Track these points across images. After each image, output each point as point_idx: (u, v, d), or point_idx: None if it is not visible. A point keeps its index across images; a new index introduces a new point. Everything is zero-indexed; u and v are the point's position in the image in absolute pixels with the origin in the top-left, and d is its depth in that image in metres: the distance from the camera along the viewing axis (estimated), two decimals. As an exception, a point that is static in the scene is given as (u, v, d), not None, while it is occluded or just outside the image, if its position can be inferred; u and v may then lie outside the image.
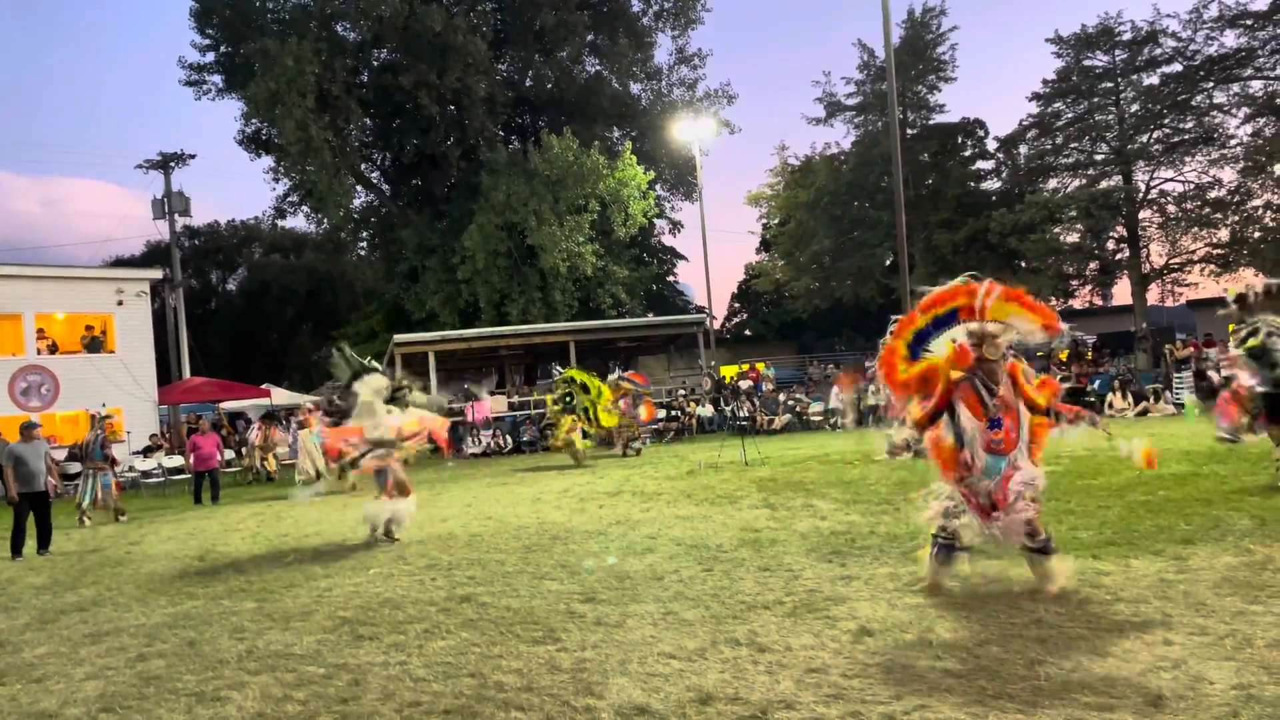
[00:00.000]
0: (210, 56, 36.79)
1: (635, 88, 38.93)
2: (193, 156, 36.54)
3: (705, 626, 5.81)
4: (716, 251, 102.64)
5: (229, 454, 22.36)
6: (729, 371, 34.08)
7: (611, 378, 20.30)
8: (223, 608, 7.45)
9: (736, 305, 56.64)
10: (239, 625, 6.78)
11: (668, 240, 43.82)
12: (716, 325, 44.16)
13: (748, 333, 54.49)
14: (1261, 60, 29.04)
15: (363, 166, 38.04)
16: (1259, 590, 5.67)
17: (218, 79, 37.10)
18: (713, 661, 5.12)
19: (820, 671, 4.82)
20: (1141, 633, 4.99)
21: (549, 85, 37.89)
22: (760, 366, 34.05)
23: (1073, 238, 32.96)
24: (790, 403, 26.85)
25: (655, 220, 39.08)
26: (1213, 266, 30.51)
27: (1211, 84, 30.08)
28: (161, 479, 21.88)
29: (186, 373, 31.95)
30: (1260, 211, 29.52)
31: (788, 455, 17.26)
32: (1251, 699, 4.02)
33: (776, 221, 41.10)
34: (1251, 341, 9.54)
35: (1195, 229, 30.93)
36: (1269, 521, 7.60)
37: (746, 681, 4.75)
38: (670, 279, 44.45)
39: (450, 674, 5.22)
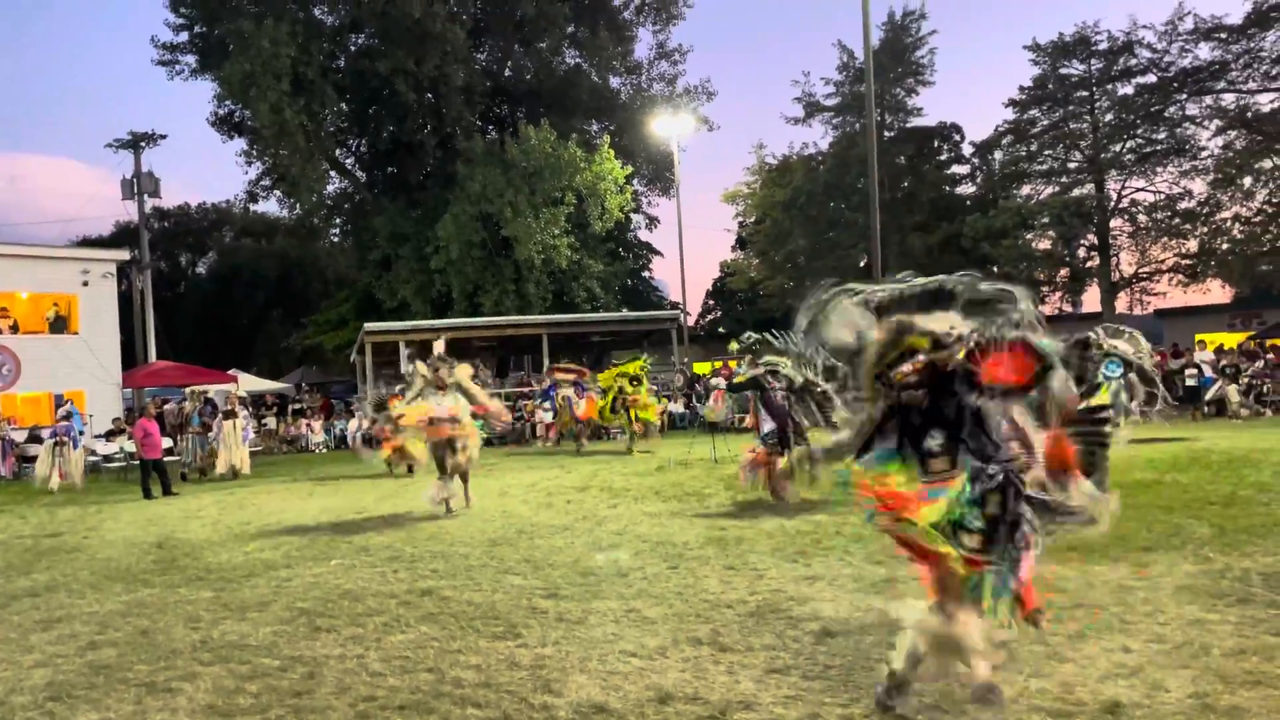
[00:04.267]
0: (184, 36, 36.17)
1: (615, 81, 38.82)
2: (164, 137, 36.12)
3: (667, 625, 5.78)
4: (692, 248, 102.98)
5: (166, 442, 21.68)
6: (702, 369, 34.10)
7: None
8: (178, 596, 7.33)
9: (711, 302, 56.70)
10: (194, 615, 6.67)
11: (644, 235, 43.77)
12: (690, 322, 44.20)
13: (721, 330, 54.57)
14: (1234, 74, 29.48)
15: (337, 152, 37.62)
16: (1217, 599, 5.72)
17: (191, 59, 36.51)
18: (673, 660, 5.08)
19: (781, 672, 4.80)
20: (1100, 639, 5.01)
21: (528, 76, 37.66)
22: (733, 364, 34.06)
23: (1044, 244, 33.33)
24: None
25: (632, 215, 38.98)
26: (1181, 276, 30.94)
27: (1184, 96, 30.50)
28: (123, 463, 21.53)
29: (153, 356, 31.48)
30: (1229, 223, 29.99)
31: (757, 453, 17.24)
32: (1207, 708, 4.04)
33: (753, 220, 41.25)
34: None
35: (1165, 239, 31.39)
36: (1228, 530, 7.68)
37: (706, 681, 4.72)
38: (645, 274, 44.38)
39: (408, 668, 5.16)
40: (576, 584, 7.04)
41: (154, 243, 55.42)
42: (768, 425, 10.89)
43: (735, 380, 11.15)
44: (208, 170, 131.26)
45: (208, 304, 53.14)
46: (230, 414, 19.23)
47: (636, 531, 9.26)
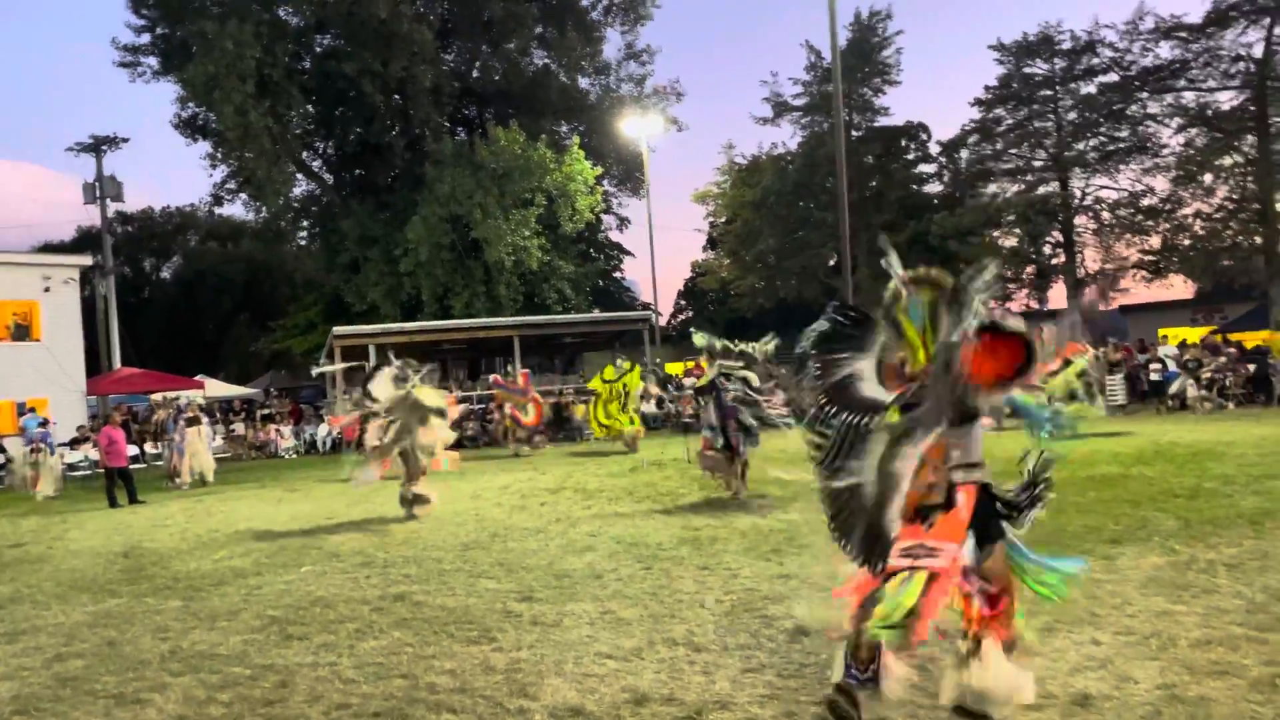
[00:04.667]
0: (146, 38, 35.70)
1: (584, 82, 38.77)
2: (126, 140, 35.62)
3: (642, 626, 5.78)
4: (663, 248, 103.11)
5: (132, 450, 21.38)
6: (674, 369, 34.13)
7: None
8: (146, 606, 7.23)
9: (682, 303, 56.86)
10: (162, 625, 6.58)
11: (614, 236, 43.79)
12: (662, 322, 44.23)
13: (693, 331, 54.67)
14: (1194, 72, 29.93)
15: (304, 154, 37.27)
16: (1183, 590, 5.80)
17: (153, 61, 36.01)
18: (649, 661, 5.08)
19: (756, 671, 4.82)
20: (1070, 632, 5.07)
21: (496, 77, 37.52)
22: (705, 364, 34.10)
23: (1011, 242, 33.68)
24: (733, 400, 26.91)
25: (602, 216, 38.98)
26: (1144, 272, 31.39)
27: (1146, 94, 30.94)
28: (89, 471, 21.23)
29: (117, 363, 31.03)
30: (1190, 220, 30.45)
31: (730, 453, 17.30)
32: (1175, 698, 4.10)
33: (723, 220, 41.36)
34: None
35: (1128, 235, 31.82)
36: (1194, 523, 7.80)
37: (682, 682, 4.72)
38: (616, 275, 44.41)
39: (381, 675, 5.12)
40: (551, 586, 7.02)
41: (117, 247, 54.52)
42: (714, 421, 11.34)
43: (697, 384, 11.62)
44: (171, 173, 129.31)
45: (173, 309, 52.47)
46: (193, 421, 18.96)
47: (610, 533, 9.25)
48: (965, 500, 3.82)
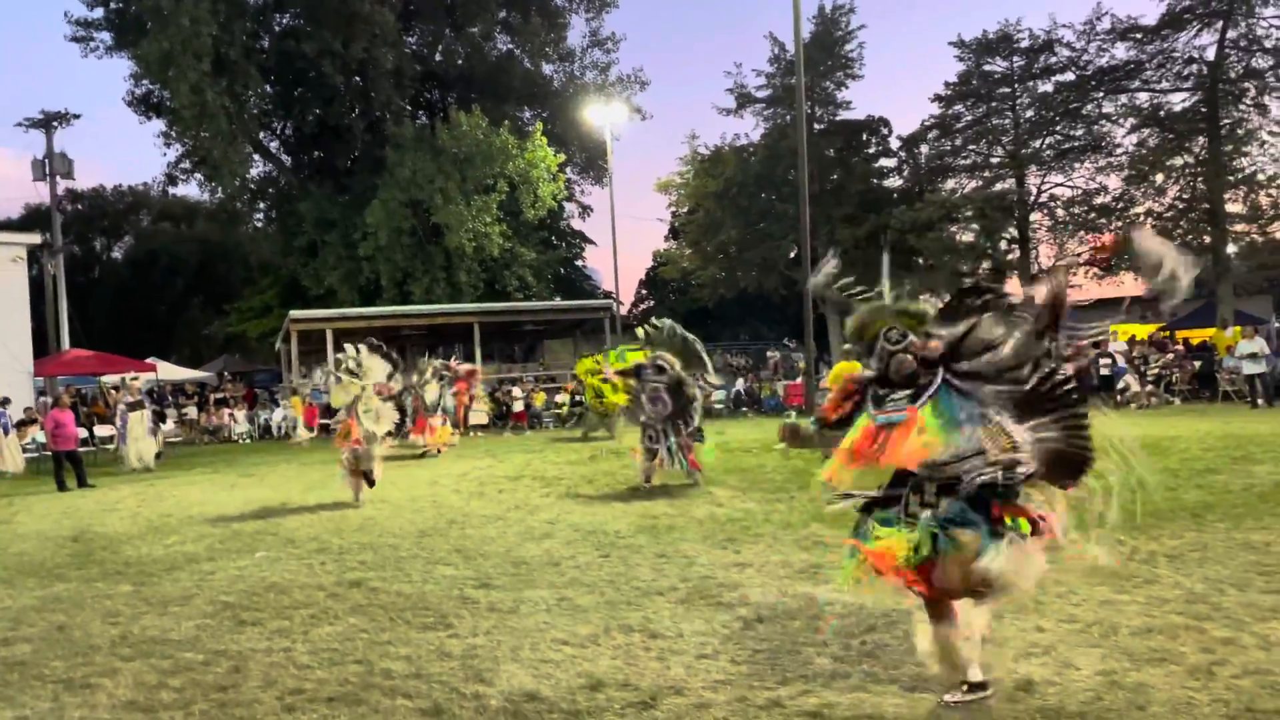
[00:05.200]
0: (99, 12, 34.82)
1: (547, 68, 38.55)
2: (77, 116, 34.56)
3: (599, 613, 5.82)
4: (625, 237, 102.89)
5: (81, 433, 20.94)
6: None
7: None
8: (96, 591, 7.13)
9: (644, 292, 56.85)
10: (113, 609, 6.49)
11: (577, 224, 43.69)
12: (623, 311, 44.24)
13: (654, 320, 54.73)
14: (1149, 73, 30.50)
15: (261, 135, 36.67)
16: (1125, 580, 5.96)
17: (106, 36, 35.17)
18: (605, 648, 5.13)
19: (710, 657, 4.88)
20: (1016, 619, 5.19)
21: (459, 61, 37.19)
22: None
23: (968, 237, 34.12)
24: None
25: (564, 203, 38.86)
26: (1096, 269, 31.96)
27: (1101, 94, 31.48)
28: (36, 454, 20.77)
29: (66, 344, 30.36)
30: (1142, 218, 31.04)
31: (688, 442, 17.38)
32: (1115, 685, 4.23)
33: (685, 210, 41.38)
34: None
35: (1081, 233, 32.39)
36: (1138, 515, 7.99)
37: (638, 668, 4.77)
38: (578, 263, 44.34)
39: (336, 660, 5.11)
40: (509, 573, 7.03)
41: (67, 226, 53.29)
42: (643, 413, 11.34)
43: (618, 368, 11.54)
44: (124, 152, 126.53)
45: (124, 290, 51.47)
46: (136, 405, 18.51)
47: (569, 520, 9.28)
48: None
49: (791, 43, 22.20)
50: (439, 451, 17.23)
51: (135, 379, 21.38)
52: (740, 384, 27.98)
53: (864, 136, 37.42)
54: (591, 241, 45.81)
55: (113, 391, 20.65)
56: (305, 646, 5.38)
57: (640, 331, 12.05)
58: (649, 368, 11.47)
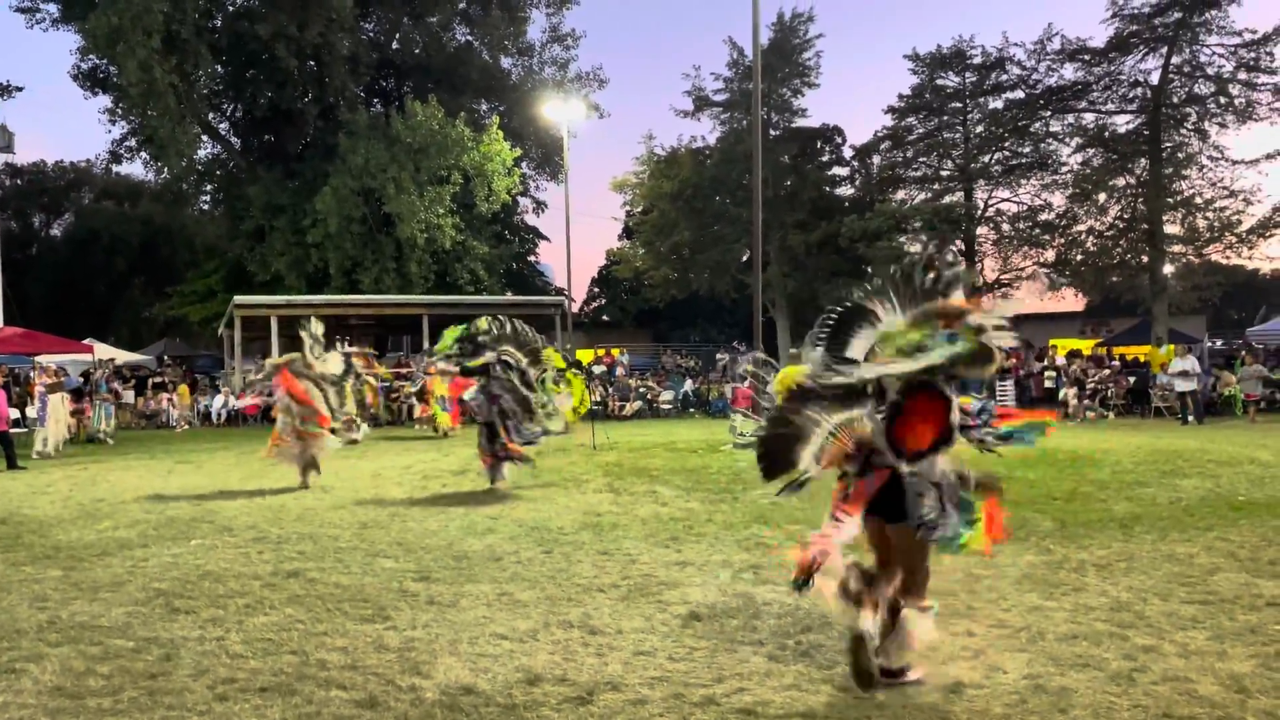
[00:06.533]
0: (46, -18, 33.89)
1: (506, 62, 38.30)
2: (20, 89, 33.77)
3: (539, 608, 5.83)
4: (579, 235, 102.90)
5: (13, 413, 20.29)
6: (585, 355, 34.16)
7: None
8: (24, 575, 6.95)
9: (596, 290, 56.87)
10: (41, 594, 6.34)
11: (530, 220, 43.52)
12: (575, 309, 44.18)
13: (605, 318, 54.81)
14: (1095, 95, 31.25)
15: (210, 116, 35.88)
16: (1054, 587, 6.13)
17: (53, 8, 34.16)
18: (544, 643, 5.14)
19: (648, 654, 4.91)
20: (947, 623, 5.31)
21: (416, 50, 36.80)
22: (615, 352, 34.28)
23: (916, 247, 34.62)
24: (642, 390, 27.24)
25: (519, 198, 38.67)
26: (1039, 284, 32.71)
27: (1049, 113, 32.19)
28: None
29: (-1, 321, 29.52)
30: (1083, 236, 31.82)
31: (635, 441, 17.47)
32: (1039, 688, 4.35)
33: (640, 210, 41.44)
34: None
35: (1025, 248, 33.10)
36: (1068, 524, 8.22)
37: (576, 663, 4.79)
38: (531, 259, 44.16)
39: (270, 651, 5.05)
40: (449, 567, 7.00)
41: (4, 201, 51.97)
42: (484, 411, 11.14)
43: (468, 364, 11.32)
44: (67, 127, 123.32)
45: (62, 268, 50.01)
46: (55, 388, 17.96)
47: (512, 515, 9.26)
48: (874, 479, 4.36)
49: (750, 48, 22.34)
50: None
51: (50, 364, 20.61)
52: (689, 385, 28.14)
53: (818, 144, 37.83)
54: (545, 237, 45.67)
55: (59, 374, 19.97)
56: (239, 636, 5.31)
57: (480, 323, 11.76)
58: (496, 365, 11.15)
